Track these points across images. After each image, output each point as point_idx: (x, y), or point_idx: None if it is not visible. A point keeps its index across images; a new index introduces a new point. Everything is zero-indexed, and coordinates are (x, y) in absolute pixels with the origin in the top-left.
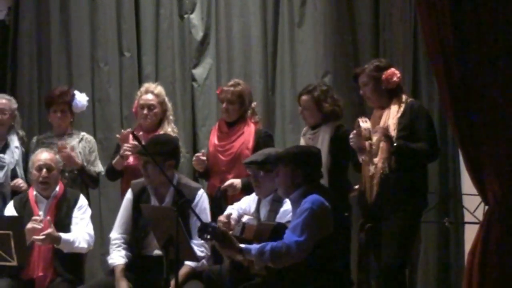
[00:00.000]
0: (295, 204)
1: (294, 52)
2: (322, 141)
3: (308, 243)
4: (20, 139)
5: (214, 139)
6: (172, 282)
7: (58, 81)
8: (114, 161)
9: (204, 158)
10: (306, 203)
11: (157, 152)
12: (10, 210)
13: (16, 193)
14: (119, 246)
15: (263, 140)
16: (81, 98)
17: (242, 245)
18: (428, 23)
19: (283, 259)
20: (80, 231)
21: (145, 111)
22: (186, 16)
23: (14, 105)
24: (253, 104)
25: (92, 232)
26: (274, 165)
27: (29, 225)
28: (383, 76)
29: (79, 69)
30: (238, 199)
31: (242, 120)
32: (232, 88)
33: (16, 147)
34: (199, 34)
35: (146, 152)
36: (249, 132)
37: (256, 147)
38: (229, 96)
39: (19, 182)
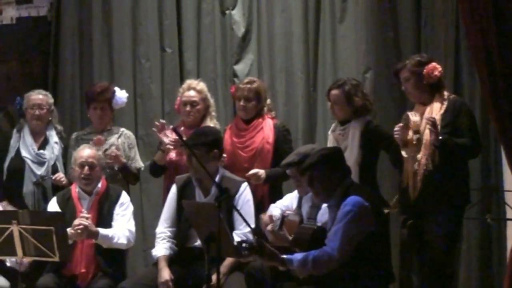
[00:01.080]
0: (333, 208)
1: (335, 48)
2: (353, 136)
3: (350, 248)
4: (59, 133)
5: (231, 137)
6: (214, 277)
7: (99, 77)
8: (156, 157)
9: (225, 155)
10: (347, 205)
11: (200, 143)
12: (53, 206)
13: (56, 189)
14: (164, 239)
15: (282, 134)
16: (121, 95)
17: (284, 256)
18: (470, 16)
19: (326, 267)
20: (120, 227)
21: (188, 108)
22: (227, 12)
23: (51, 100)
24: (268, 101)
25: (133, 228)
26: (303, 174)
27: (76, 221)
28: (425, 70)
29: (121, 65)
30: (261, 196)
31: (259, 116)
32: (248, 86)
33: (56, 142)
34: (240, 30)
35: (187, 144)
36: (268, 127)
37: (276, 141)
38: (246, 94)
39: (60, 176)
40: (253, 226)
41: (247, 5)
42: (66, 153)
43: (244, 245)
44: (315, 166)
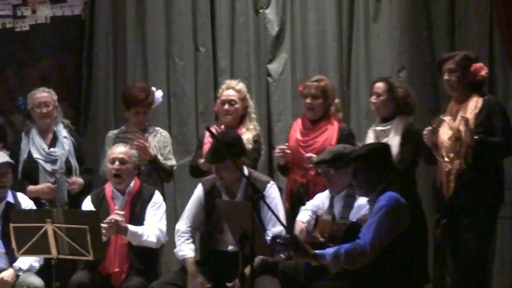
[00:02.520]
0: (373, 203)
1: (369, 46)
2: (395, 134)
3: (382, 243)
4: (66, 127)
5: (296, 134)
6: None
7: (133, 76)
8: (201, 162)
9: (289, 151)
10: (382, 200)
11: (225, 158)
12: (87, 205)
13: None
14: (188, 239)
15: (345, 137)
16: (158, 95)
17: (316, 251)
18: (504, 15)
19: (358, 260)
20: (151, 226)
21: (226, 106)
22: (261, 11)
23: (55, 96)
24: (336, 101)
25: (164, 228)
26: (348, 165)
27: (109, 217)
28: (472, 67)
29: (155, 64)
30: (323, 187)
31: (326, 116)
32: (315, 83)
33: (65, 137)
34: (274, 29)
35: (218, 141)
36: (332, 129)
37: (338, 143)
38: (312, 91)
39: (78, 182)
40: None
41: (280, 4)
42: (78, 147)
43: (278, 240)
44: (362, 158)
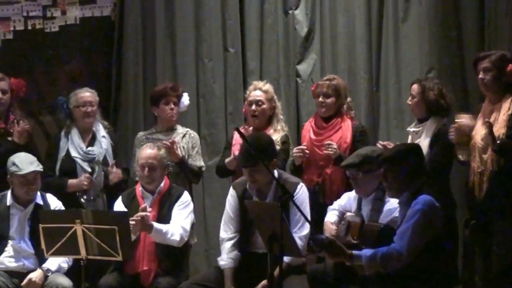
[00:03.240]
0: (404, 206)
1: (398, 47)
2: (426, 136)
3: (418, 247)
4: (105, 128)
5: (309, 134)
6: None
7: (162, 77)
8: (227, 161)
9: (308, 151)
10: (417, 204)
11: (259, 162)
12: (119, 205)
13: (107, 187)
14: (231, 247)
15: (359, 134)
16: (185, 98)
17: (353, 251)
18: None
19: (394, 264)
20: (175, 224)
21: (253, 107)
22: (290, 11)
23: (97, 97)
24: (348, 99)
25: (188, 227)
26: (377, 168)
27: (137, 214)
28: (508, 67)
29: (184, 65)
30: (336, 195)
31: (338, 114)
32: (327, 82)
33: (103, 136)
34: (303, 30)
35: (248, 142)
36: (346, 126)
37: (353, 141)
38: (324, 90)
39: (112, 176)
40: (309, 227)
41: (310, 5)
42: (117, 149)
43: (317, 241)
44: (392, 159)
